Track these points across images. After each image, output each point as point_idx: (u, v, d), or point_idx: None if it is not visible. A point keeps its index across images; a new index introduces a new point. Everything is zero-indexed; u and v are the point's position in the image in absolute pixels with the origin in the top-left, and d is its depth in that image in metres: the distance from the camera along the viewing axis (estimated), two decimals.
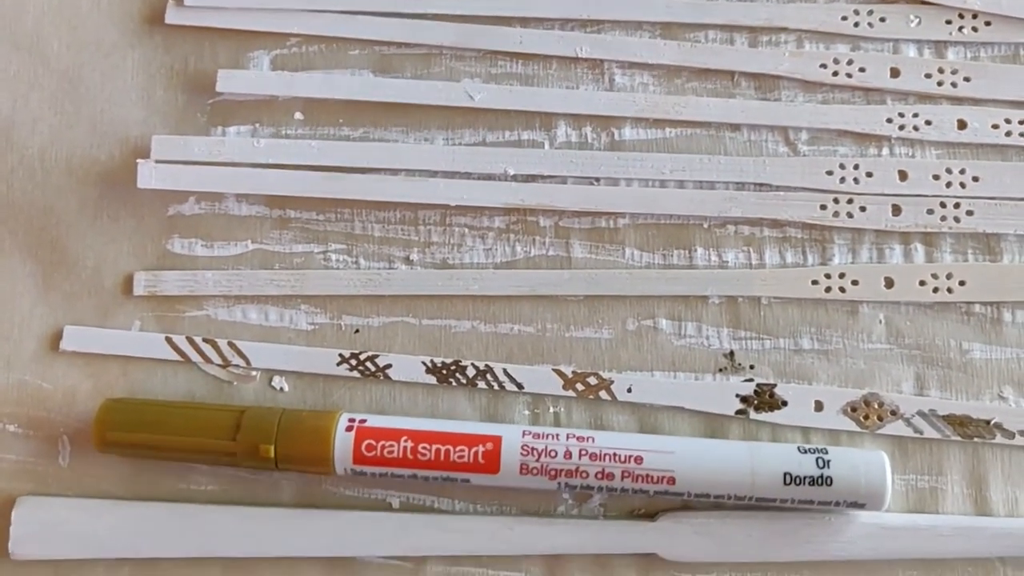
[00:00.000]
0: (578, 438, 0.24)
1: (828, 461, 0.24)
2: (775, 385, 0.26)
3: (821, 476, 0.24)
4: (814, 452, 0.24)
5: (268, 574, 0.25)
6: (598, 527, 0.25)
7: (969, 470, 0.26)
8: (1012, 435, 0.26)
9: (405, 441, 0.24)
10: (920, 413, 0.26)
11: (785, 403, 0.26)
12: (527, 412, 0.26)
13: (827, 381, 0.26)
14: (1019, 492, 0.25)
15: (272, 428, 0.24)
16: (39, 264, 0.27)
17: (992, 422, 0.26)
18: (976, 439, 0.26)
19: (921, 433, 0.26)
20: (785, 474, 0.24)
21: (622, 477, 0.24)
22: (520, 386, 0.26)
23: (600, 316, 0.27)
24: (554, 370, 0.26)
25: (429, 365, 0.26)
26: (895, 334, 0.26)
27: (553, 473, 0.24)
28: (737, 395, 0.26)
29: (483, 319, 0.27)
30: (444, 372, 0.26)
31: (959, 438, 0.26)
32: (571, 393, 0.26)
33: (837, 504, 0.24)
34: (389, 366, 0.26)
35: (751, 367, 0.26)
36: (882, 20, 0.28)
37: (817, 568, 0.25)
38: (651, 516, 0.25)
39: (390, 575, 0.25)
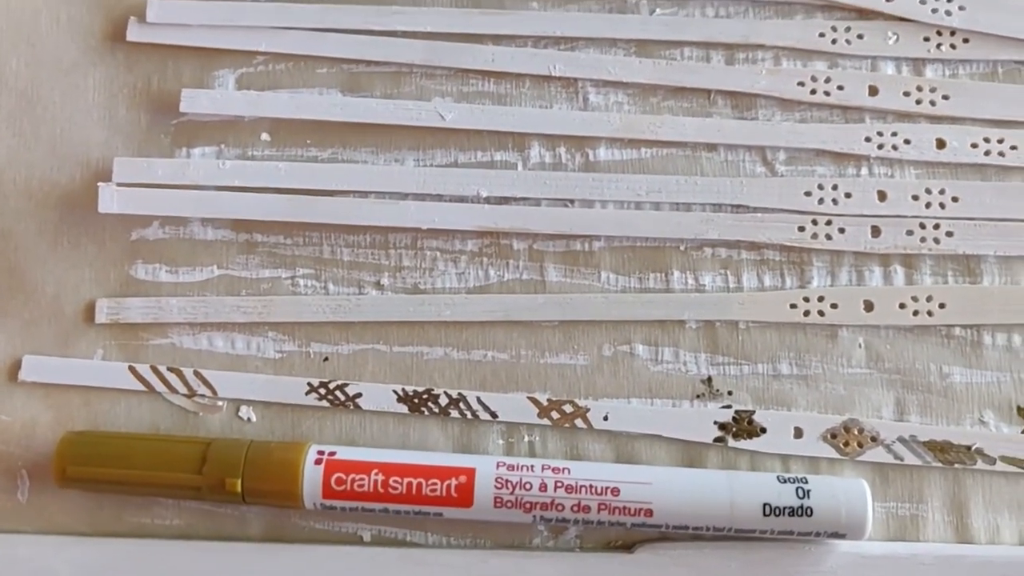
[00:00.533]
0: (553, 469, 0.24)
1: (808, 491, 0.24)
2: (754, 412, 0.26)
3: (801, 507, 0.23)
4: (794, 482, 0.24)
5: None
6: (574, 560, 0.25)
7: (950, 497, 0.25)
8: (993, 461, 0.25)
9: (376, 474, 0.24)
10: (900, 439, 0.25)
11: (764, 430, 0.26)
12: (501, 441, 0.26)
13: (806, 407, 0.26)
14: (1000, 519, 0.25)
15: (239, 461, 0.24)
16: None
17: (973, 447, 0.25)
18: (957, 465, 0.25)
19: (902, 460, 0.25)
20: (764, 505, 0.24)
21: (599, 509, 0.24)
22: (494, 415, 0.26)
23: (575, 342, 0.26)
24: (529, 398, 0.26)
25: (400, 394, 0.26)
26: (875, 358, 0.26)
27: (528, 506, 0.24)
28: (715, 422, 0.26)
29: (456, 346, 0.26)
30: (416, 401, 0.26)
31: (940, 464, 0.25)
32: (546, 422, 0.26)
33: (818, 534, 0.24)
34: (359, 395, 0.26)
35: (729, 393, 0.26)
36: (860, 37, 0.28)
37: None
38: (628, 548, 0.25)
39: None
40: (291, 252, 0.27)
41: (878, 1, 0.28)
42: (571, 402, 0.26)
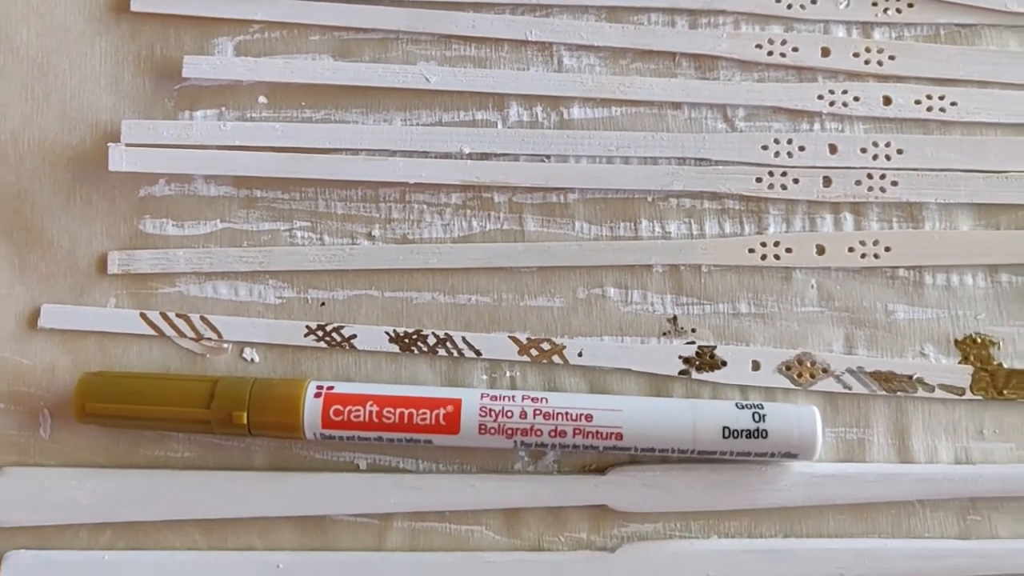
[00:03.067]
0: (532, 399, 0.25)
1: (764, 415, 0.25)
2: (715, 347, 0.27)
3: (757, 429, 0.25)
4: (751, 407, 0.25)
5: (243, 534, 0.26)
6: (552, 482, 0.26)
7: (893, 422, 0.27)
8: (932, 388, 0.27)
9: (370, 406, 0.25)
10: (849, 370, 0.27)
11: (724, 363, 0.27)
12: (485, 377, 0.27)
13: (763, 342, 0.27)
14: (937, 441, 0.26)
15: (244, 396, 0.25)
16: (15, 246, 0.27)
17: (914, 377, 0.27)
18: (900, 393, 0.27)
19: (850, 389, 0.27)
20: (724, 428, 0.25)
21: (573, 434, 0.25)
22: (478, 353, 0.27)
23: (552, 286, 0.27)
24: (510, 337, 0.27)
25: (392, 335, 0.27)
26: (826, 297, 0.27)
27: (509, 432, 0.25)
28: (680, 356, 0.27)
29: (442, 291, 0.27)
30: (406, 341, 0.27)
31: (884, 392, 0.27)
32: (526, 358, 0.27)
33: (772, 455, 0.25)
34: (354, 336, 0.27)
35: (693, 331, 0.27)
36: (813, 2, 0.29)
37: (755, 515, 0.26)
38: (601, 471, 0.26)
39: (358, 532, 0.26)
40: (289, 206, 0.28)
41: None
42: (549, 340, 0.27)
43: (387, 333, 0.27)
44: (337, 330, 0.27)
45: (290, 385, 0.25)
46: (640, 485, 0.26)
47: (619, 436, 0.25)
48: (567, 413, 0.25)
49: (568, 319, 0.27)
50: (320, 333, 0.27)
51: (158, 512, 0.26)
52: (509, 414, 0.25)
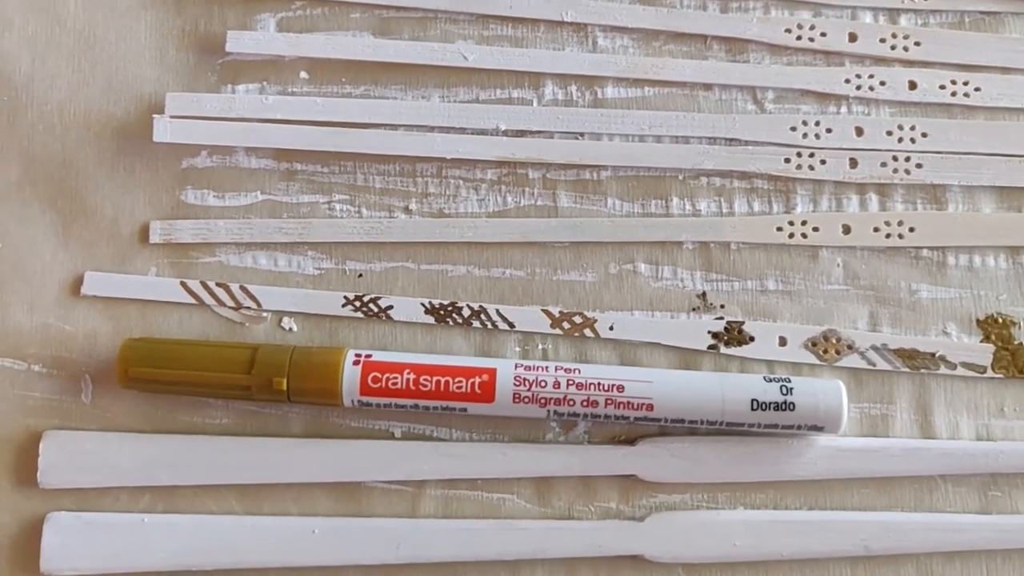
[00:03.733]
0: (565, 369, 0.25)
1: (791, 389, 0.25)
2: (743, 322, 0.27)
3: (784, 402, 0.25)
4: (778, 381, 0.25)
5: (279, 499, 0.26)
6: (583, 451, 0.26)
7: (916, 398, 0.27)
8: (954, 366, 0.27)
9: (408, 374, 0.25)
10: (873, 347, 0.27)
11: (752, 339, 0.27)
12: (518, 349, 0.27)
13: (790, 319, 0.27)
14: (959, 417, 0.27)
15: (284, 363, 0.25)
16: (60, 214, 0.27)
17: (937, 355, 0.27)
18: (923, 370, 0.27)
19: (874, 365, 0.27)
20: (752, 400, 0.25)
21: (605, 404, 0.25)
22: (512, 325, 0.27)
23: (584, 261, 0.28)
24: (543, 310, 0.27)
25: (427, 306, 0.27)
26: (851, 276, 0.28)
27: (543, 401, 0.25)
28: (709, 332, 0.27)
29: (477, 264, 0.27)
30: (441, 313, 0.27)
31: (908, 369, 0.27)
32: (558, 331, 0.27)
33: (799, 428, 0.25)
34: (391, 307, 0.27)
35: (722, 306, 0.27)
36: None
37: (780, 487, 0.26)
38: (631, 441, 0.26)
39: (392, 498, 0.26)
40: (328, 179, 0.28)
41: None
42: (580, 314, 0.27)
43: (423, 305, 0.27)
44: (374, 301, 0.27)
45: (329, 353, 0.25)
46: (669, 456, 0.26)
47: (649, 407, 0.25)
48: (599, 383, 0.25)
49: (600, 294, 0.27)
50: (357, 304, 0.27)
51: (196, 477, 0.26)
52: (543, 384, 0.25)
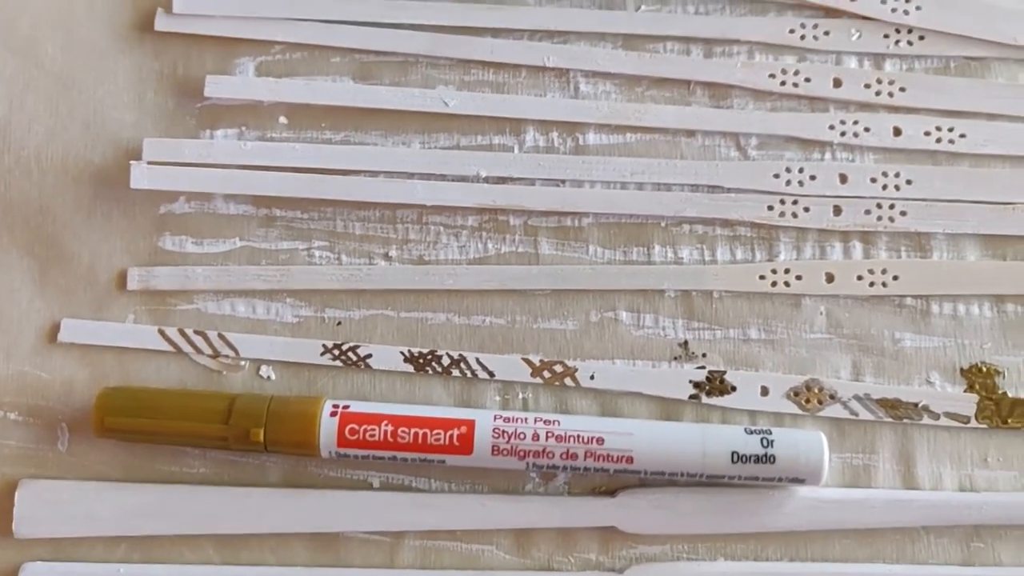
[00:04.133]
0: (545, 421, 0.25)
1: (772, 441, 0.25)
2: (725, 372, 0.27)
3: (765, 455, 0.25)
4: (759, 433, 0.25)
5: (256, 549, 0.26)
6: (562, 503, 0.26)
7: (899, 449, 0.26)
8: (937, 416, 0.27)
9: (385, 425, 0.25)
10: (856, 397, 0.27)
11: (734, 388, 0.27)
12: (498, 398, 0.27)
13: (773, 368, 0.27)
14: (942, 468, 0.26)
15: (262, 414, 0.25)
16: (36, 260, 0.27)
17: (920, 404, 0.27)
18: (906, 420, 0.27)
19: (857, 415, 0.27)
20: (733, 453, 0.25)
21: (585, 457, 0.25)
22: (492, 374, 0.27)
23: (565, 309, 0.27)
24: (523, 359, 0.27)
25: (407, 355, 0.27)
26: (835, 324, 0.27)
27: (522, 453, 0.25)
28: (690, 381, 0.27)
29: (457, 312, 0.27)
30: (421, 361, 0.27)
31: (890, 420, 0.27)
32: (538, 380, 0.27)
33: (780, 480, 0.25)
34: (370, 356, 0.27)
35: (703, 355, 0.27)
36: (826, 34, 0.29)
37: (761, 538, 0.26)
38: (611, 493, 0.26)
39: (371, 549, 0.26)
40: (307, 226, 0.27)
41: (843, 1, 0.29)
42: (561, 362, 0.27)
43: (402, 353, 0.27)
44: (353, 349, 0.27)
45: (307, 403, 0.25)
46: (649, 507, 0.26)
47: (629, 459, 0.25)
48: (579, 436, 0.25)
49: (581, 342, 0.27)
50: (336, 352, 0.27)
51: (173, 526, 0.26)
52: (522, 436, 0.25)
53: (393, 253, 0.27)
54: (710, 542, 0.26)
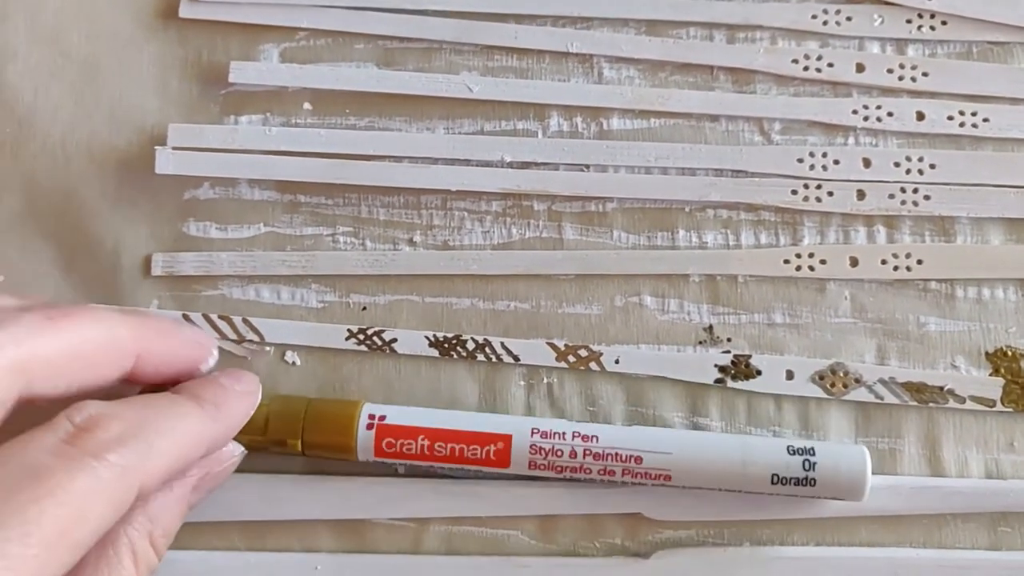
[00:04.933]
0: (583, 437, 0.24)
1: (814, 464, 0.24)
2: (750, 356, 0.26)
3: (806, 478, 0.24)
4: (802, 454, 0.24)
5: (283, 536, 0.25)
6: (587, 490, 0.25)
7: (924, 433, 0.26)
8: (963, 400, 0.26)
9: (422, 440, 0.24)
10: (881, 380, 0.26)
11: (759, 372, 0.26)
12: (523, 383, 0.26)
13: (797, 352, 0.26)
14: (968, 452, 0.26)
15: (298, 421, 0.24)
16: (63, 246, 0.27)
17: (945, 388, 0.26)
18: (931, 404, 0.26)
19: (882, 399, 0.26)
20: (773, 475, 0.24)
21: (622, 474, 0.24)
22: (516, 358, 0.26)
23: (590, 293, 0.27)
24: (548, 343, 0.26)
25: (432, 339, 0.26)
26: (859, 309, 0.27)
27: (559, 469, 0.24)
28: (715, 365, 0.26)
29: (481, 297, 0.26)
30: (446, 346, 0.26)
31: (916, 403, 0.26)
32: (563, 364, 0.26)
33: (820, 498, 0.24)
34: (395, 340, 0.26)
35: (728, 340, 0.26)
36: (848, 19, 0.28)
37: (787, 524, 0.25)
38: None
39: (396, 535, 0.25)
40: (332, 211, 0.27)
41: None
42: (586, 347, 0.26)
43: (427, 338, 0.26)
44: (378, 334, 0.26)
45: (342, 414, 0.24)
46: (675, 495, 0.25)
47: (667, 477, 0.24)
48: (616, 454, 0.24)
49: (605, 326, 0.26)
50: (361, 336, 0.26)
51: (199, 513, 0.25)
52: (559, 453, 0.24)
53: (418, 238, 0.27)
54: (736, 527, 0.25)
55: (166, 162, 0.26)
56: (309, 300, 0.26)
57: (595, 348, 0.26)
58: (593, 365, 0.26)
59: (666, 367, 0.26)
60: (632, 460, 0.24)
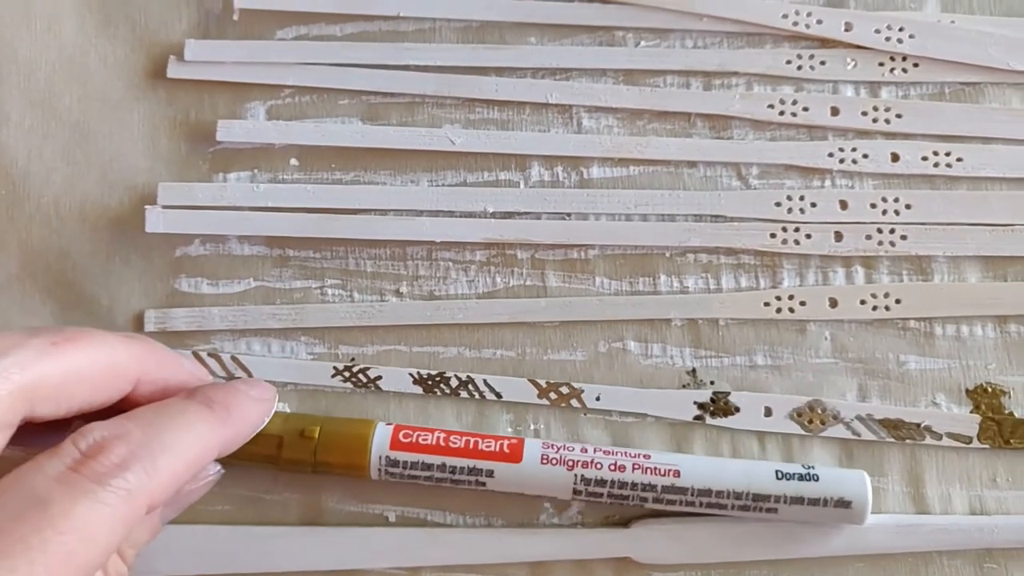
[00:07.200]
0: (593, 449, 0.23)
1: (815, 475, 0.23)
2: (729, 393, 0.25)
3: (808, 474, 0.23)
4: (805, 467, 0.23)
5: None
6: (577, 535, 0.24)
7: (907, 470, 0.24)
8: (940, 436, 0.25)
9: (438, 432, 0.23)
10: (859, 417, 0.25)
11: (738, 409, 0.25)
12: (510, 429, 0.25)
13: (780, 393, 0.25)
14: (952, 489, 0.24)
15: (316, 422, 0.23)
16: (58, 304, 0.25)
17: (922, 425, 0.25)
18: (908, 440, 0.25)
19: (859, 435, 0.25)
20: (777, 471, 0.23)
21: (632, 469, 0.23)
22: (499, 395, 0.25)
23: (574, 340, 0.25)
24: (530, 380, 0.25)
25: (415, 376, 0.25)
26: (840, 349, 0.25)
27: (570, 464, 0.23)
28: (695, 402, 0.25)
29: (467, 345, 0.25)
30: (429, 383, 0.25)
31: (893, 440, 0.25)
32: (545, 402, 0.25)
33: (825, 503, 0.23)
34: (379, 378, 0.25)
35: (712, 382, 0.25)
36: (822, 63, 0.27)
37: (774, 565, 0.24)
38: (624, 523, 0.24)
39: None
40: (320, 265, 0.26)
41: (838, 31, 0.27)
42: (567, 384, 0.25)
43: (411, 375, 0.25)
44: (363, 371, 0.25)
45: (360, 422, 0.24)
46: (663, 537, 0.24)
47: (676, 473, 0.23)
48: (626, 452, 0.23)
49: (590, 372, 0.25)
50: (347, 374, 0.25)
51: (194, 566, 0.24)
52: (571, 448, 0.23)
53: (404, 289, 0.26)
54: (723, 569, 0.24)
55: (156, 221, 0.25)
56: (299, 352, 0.25)
57: (576, 386, 0.25)
58: (574, 402, 0.25)
59: (646, 404, 0.25)
60: (641, 456, 0.23)
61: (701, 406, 0.25)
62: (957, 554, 0.24)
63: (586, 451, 0.23)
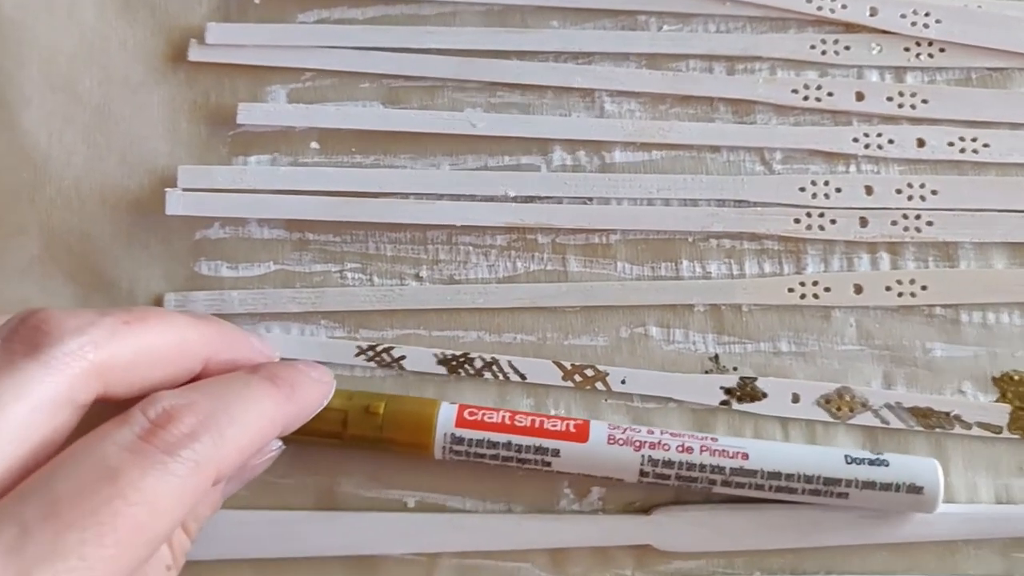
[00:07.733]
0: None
1: (884, 460, 0.22)
2: (756, 379, 0.24)
3: (878, 459, 0.22)
4: (875, 452, 0.23)
5: (295, 572, 0.23)
6: (598, 522, 0.23)
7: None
8: (969, 426, 0.24)
9: (503, 411, 0.23)
10: (887, 405, 0.24)
11: (765, 395, 0.24)
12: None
13: (804, 379, 0.24)
14: (978, 478, 0.24)
15: (381, 398, 0.23)
16: (80, 287, 0.25)
17: (952, 414, 0.24)
18: (937, 429, 0.24)
19: (888, 424, 0.24)
20: (846, 456, 0.22)
21: (700, 451, 0.22)
22: (523, 376, 0.24)
23: (595, 325, 0.25)
24: (554, 362, 0.24)
25: (440, 356, 0.24)
26: (865, 336, 0.24)
27: (637, 444, 0.22)
28: (721, 387, 0.24)
29: (488, 330, 0.25)
30: (453, 364, 0.24)
31: (922, 428, 0.24)
32: (569, 384, 0.24)
33: (897, 488, 0.22)
34: (403, 357, 0.24)
35: (735, 369, 0.24)
36: (847, 48, 0.26)
37: (798, 553, 0.23)
38: (645, 510, 0.23)
39: (406, 569, 0.23)
40: (340, 248, 0.25)
41: (863, 16, 0.26)
42: (592, 367, 0.24)
43: (435, 355, 0.24)
44: (387, 351, 0.24)
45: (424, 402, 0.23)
46: (684, 524, 0.23)
47: (744, 456, 0.22)
48: (693, 435, 0.23)
49: (611, 357, 0.24)
50: (371, 353, 0.24)
51: (212, 551, 0.23)
52: (636, 429, 0.23)
53: (424, 273, 0.25)
54: (746, 557, 0.23)
55: (176, 203, 0.25)
56: (319, 336, 0.25)
57: (601, 368, 0.24)
58: (599, 385, 0.24)
59: (672, 388, 0.24)
60: (708, 439, 0.22)
61: (728, 391, 0.24)
62: (984, 543, 0.23)
63: (652, 432, 0.23)
